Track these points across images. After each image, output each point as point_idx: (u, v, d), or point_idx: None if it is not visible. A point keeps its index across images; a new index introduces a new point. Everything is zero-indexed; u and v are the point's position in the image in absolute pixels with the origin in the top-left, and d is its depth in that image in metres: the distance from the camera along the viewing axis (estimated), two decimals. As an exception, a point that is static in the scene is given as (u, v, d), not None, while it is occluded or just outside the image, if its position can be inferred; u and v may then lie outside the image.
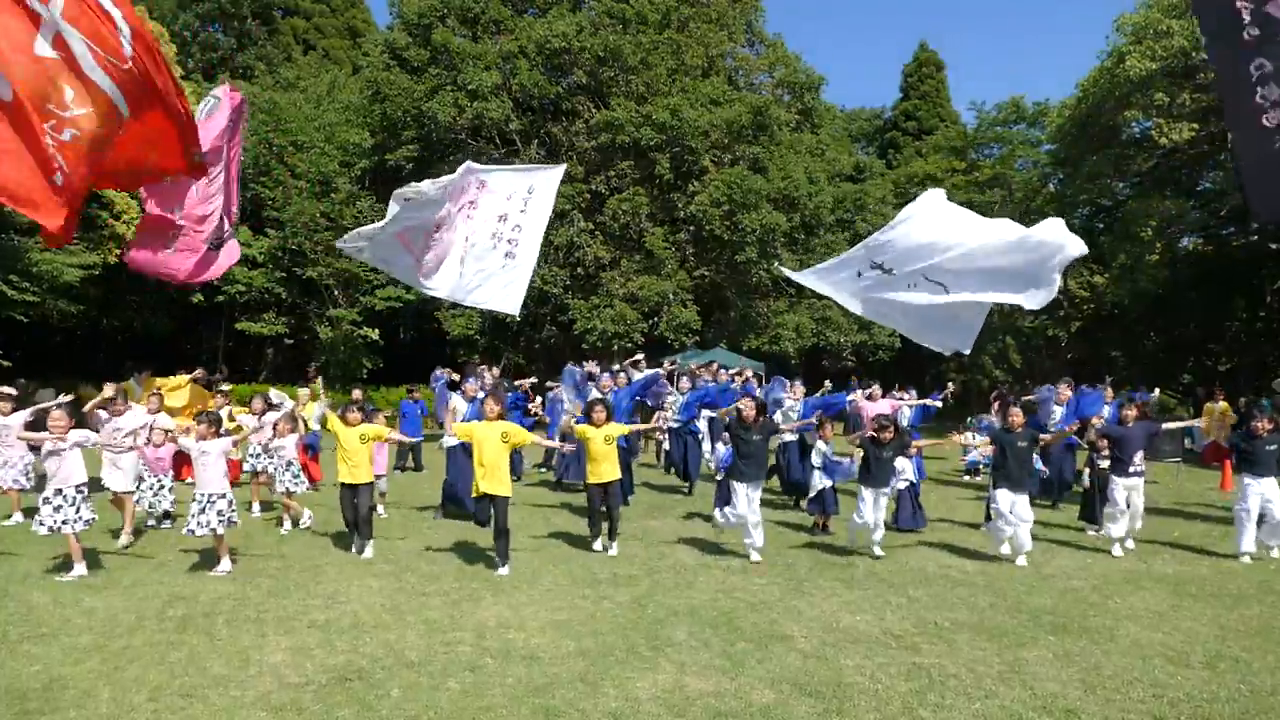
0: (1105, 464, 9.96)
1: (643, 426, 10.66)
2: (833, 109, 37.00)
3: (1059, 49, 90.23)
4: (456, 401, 10.24)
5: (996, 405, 13.05)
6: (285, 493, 9.58)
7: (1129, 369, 28.81)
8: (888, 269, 8.87)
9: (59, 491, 7.40)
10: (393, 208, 8.90)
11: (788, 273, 10.59)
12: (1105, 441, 9.88)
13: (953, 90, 41.77)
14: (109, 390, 9.78)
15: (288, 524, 9.54)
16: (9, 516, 9.65)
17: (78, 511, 7.41)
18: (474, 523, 9.87)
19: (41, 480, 7.99)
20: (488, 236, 10.03)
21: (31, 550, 8.07)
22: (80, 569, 7.34)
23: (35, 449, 8.84)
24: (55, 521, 7.33)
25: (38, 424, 8.43)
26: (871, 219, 26.86)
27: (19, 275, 16.73)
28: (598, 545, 8.68)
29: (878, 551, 8.70)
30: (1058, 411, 11.98)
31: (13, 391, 9.98)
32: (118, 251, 21.01)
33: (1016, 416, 8.83)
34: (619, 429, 9.01)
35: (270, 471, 10.38)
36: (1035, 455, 9.54)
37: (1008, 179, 31.99)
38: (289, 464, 9.60)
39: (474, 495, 8.30)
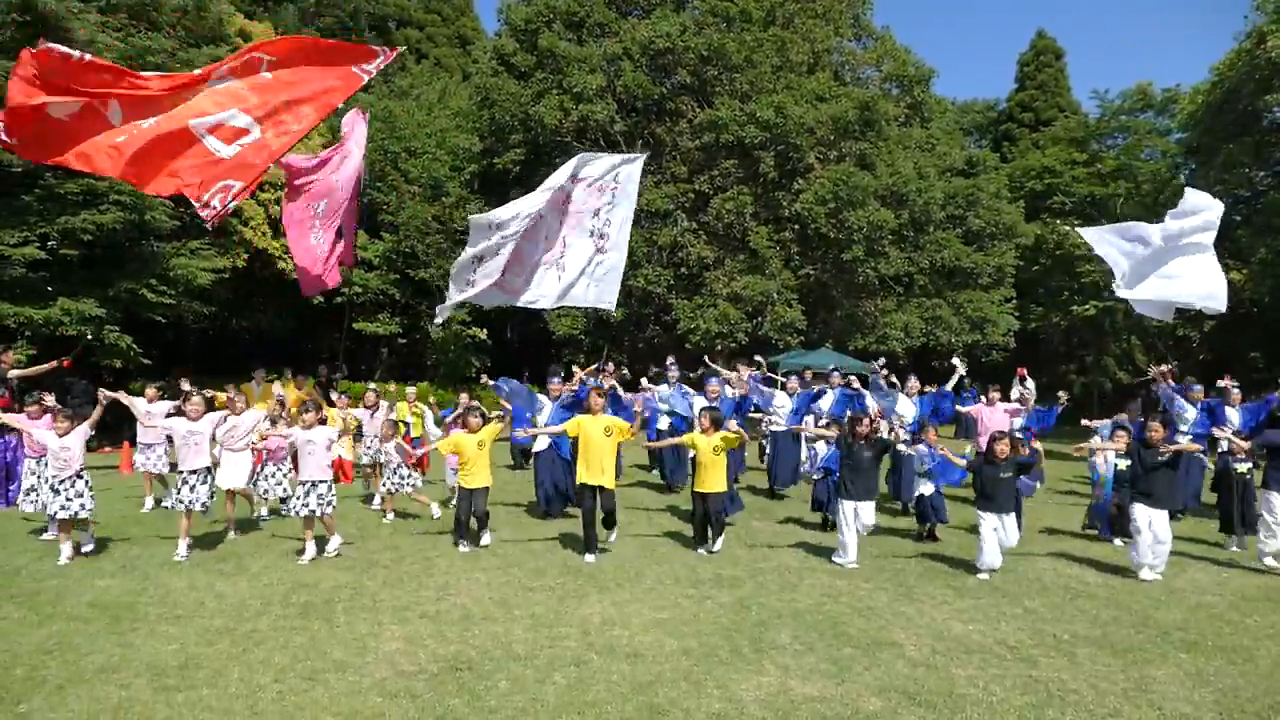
0: (1242, 468, 9.36)
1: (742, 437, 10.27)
2: (944, 102, 35.78)
3: (1189, 32, 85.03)
4: (543, 401, 10.57)
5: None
6: (408, 492, 10.05)
7: (1271, 371, 26.86)
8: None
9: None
10: (473, 239, 9.63)
11: (1086, 234, 11.33)
12: (1245, 447, 9.27)
13: (1072, 79, 39.91)
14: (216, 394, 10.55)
15: (431, 510, 10.12)
16: (142, 503, 10.43)
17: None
18: (545, 514, 10.30)
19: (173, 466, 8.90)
20: (586, 235, 10.22)
21: (169, 536, 8.62)
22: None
23: (169, 438, 9.55)
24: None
25: (176, 411, 9.32)
26: (984, 214, 25.92)
27: (158, 279, 17.87)
28: (700, 550, 8.64)
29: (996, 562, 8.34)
30: (1189, 410, 11.28)
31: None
32: (245, 256, 22.19)
33: (1156, 431, 8.20)
34: (729, 441, 8.80)
35: (383, 463, 10.94)
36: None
37: (1133, 170, 30.29)
38: (397, 466, 9.99)
39: (578, 484, 8.50)
